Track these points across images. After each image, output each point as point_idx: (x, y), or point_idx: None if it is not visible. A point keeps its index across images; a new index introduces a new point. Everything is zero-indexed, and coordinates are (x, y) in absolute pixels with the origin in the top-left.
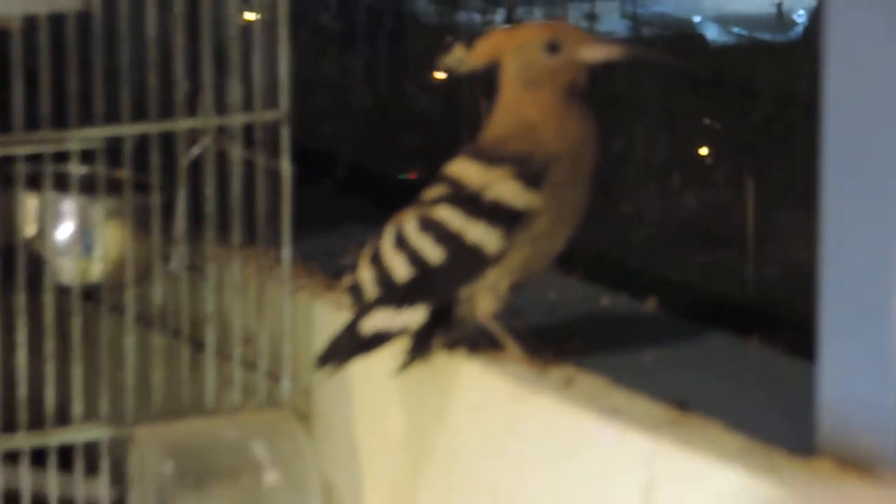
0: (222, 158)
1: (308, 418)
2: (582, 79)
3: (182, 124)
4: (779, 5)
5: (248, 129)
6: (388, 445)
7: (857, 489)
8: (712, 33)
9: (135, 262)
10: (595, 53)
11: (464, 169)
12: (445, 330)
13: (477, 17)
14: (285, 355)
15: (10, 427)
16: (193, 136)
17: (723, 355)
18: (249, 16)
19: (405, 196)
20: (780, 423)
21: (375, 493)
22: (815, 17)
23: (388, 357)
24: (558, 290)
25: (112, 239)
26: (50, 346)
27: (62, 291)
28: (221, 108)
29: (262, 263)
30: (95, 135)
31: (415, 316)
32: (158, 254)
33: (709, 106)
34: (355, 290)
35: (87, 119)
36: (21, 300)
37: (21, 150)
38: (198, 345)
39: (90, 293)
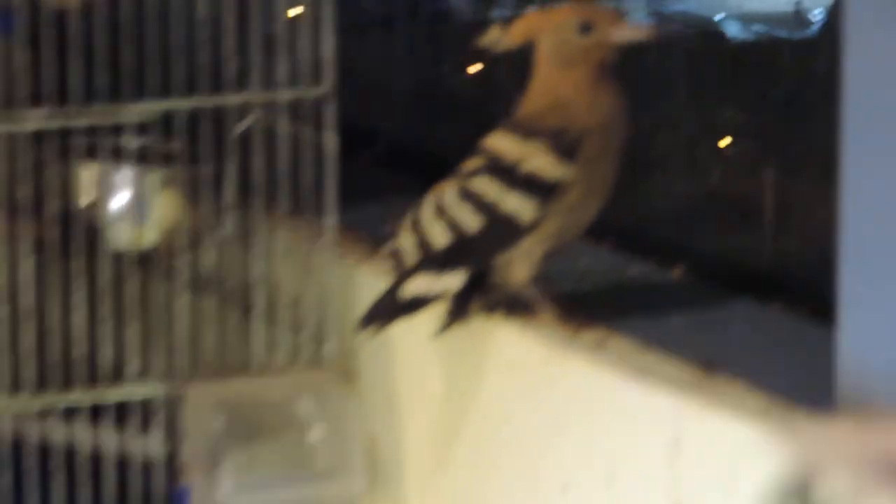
0: (270, 132)
1: (351, 377)
2: (613, 57)
3: (231, 99)
4: (797, 3)
5: (295, 105)
6: (428, 403)
7: (874, 442)
8: (733, 30)
9: (187, 229)
10: (625, 34)
11: (500, 142)
12: (482, 294)
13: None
14: (330, 317)
15: (68, 385)
16: (242, 111)
17: (746, 320)
18: None
19: (445, 169)
20: (802, 383)
21: (416, 448)
22: (833, 14)
23: (427, 320)
24: (589, 259)
25: (165, 207)
26: (106, 308)
27: (117, 257)
28: (269, 84)
29: (307, 231)
30: (149, 108)
31: (453, 281)
32: (209, 222)
33: (734, 86)
34: (396, 256)
35: (141, 93)
36: (78, 266)
37: (79, 123)
38: (246, 308)
39: (144, 259)
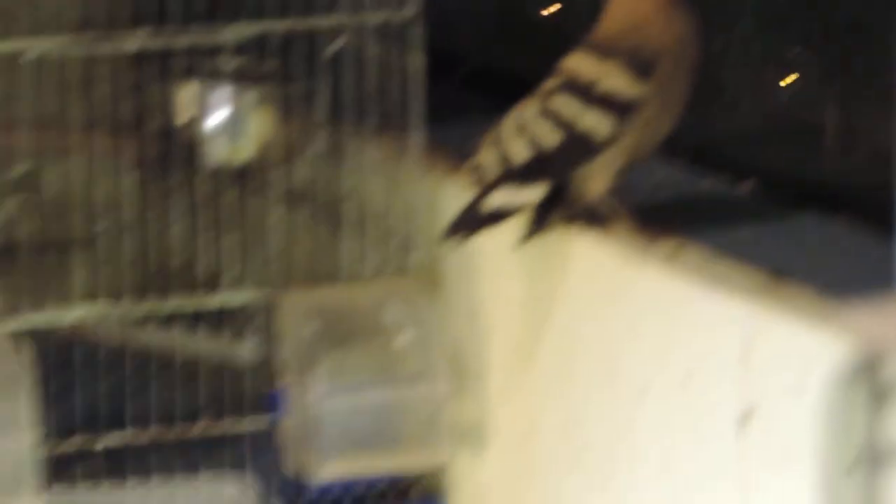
0: (359, 53)
1: (437, 285)
2: None
3: (322, 21)
4: None
5: (383, 27)
6: (510, 310)
7: None
8: None
9: (280, 145)
10: None
11: (579, 62)
12: (561, 206)
13: None
14: (416, 229)
15: (168, 292)
16: (333, 33)
17: (812, 231)
18: None
19: (525, 89)
20: (865, 290)
21: (497, 353)
22: None
23: (508, 231)
24: (663, 173)
25: (260, 125)
26: (203, 220)
27: (214, 172)
28: (358, 7)
29: (395, 148)
30: (245, 30)
31: (533, 194)
32: (302, 138)
33: (801, 9)
34: (479, 171)
35: (237, 16)
36: (177, 180)
37: (178, 44)
38: (337, 220)
39: (240, 174)
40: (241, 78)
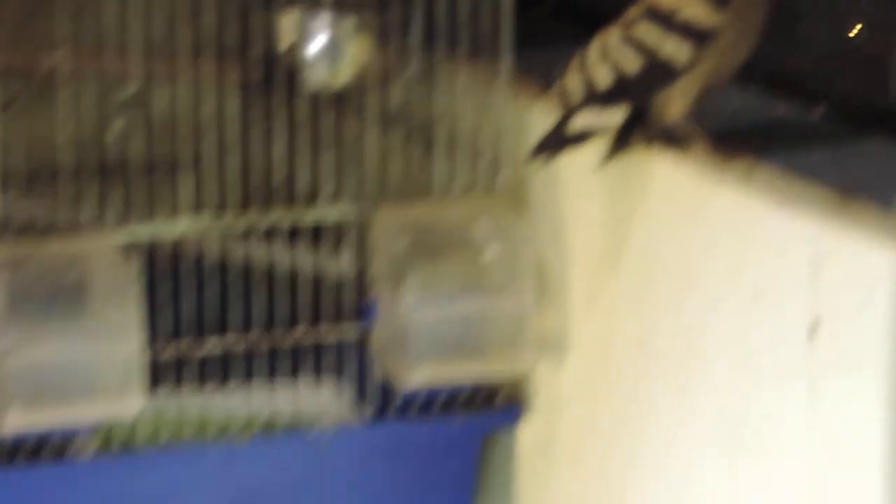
0: None
1: (523, 203)
2: None
3: None
4: None
5: None
6: (591, 227)
7: None
8: None
9: (377, 70)
10: None
11: None
12: (642, 129)
13: None
14: (504, 149)
15: (269, 207)
16: None
17: (882, 154)
18: None
19: (609, 18)
20: None
21: (579, 267)
22: None
23: (591, 152)
24: (739, 97)
25: (357, 50)
26: (303, 140)
27: (314, 96)
28: None
29: (485, 73)
30: None
31: (615, 117)
32: (397, 63)
33: None
34: (564, 95)
35: None
36: (278, 103)
37: None
38: (429, 141)
39: (338, 97)
40: (340, 6)
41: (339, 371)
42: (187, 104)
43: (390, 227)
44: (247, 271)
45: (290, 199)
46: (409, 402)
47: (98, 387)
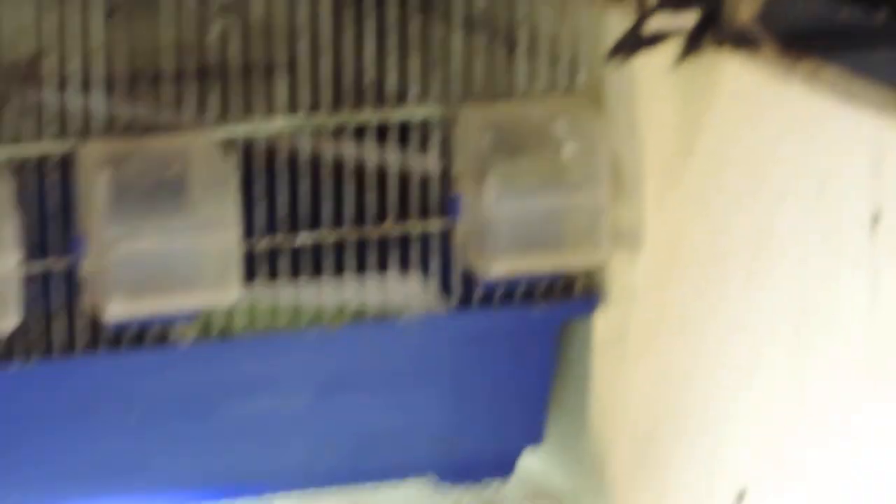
0: None
1: (600, 102)
2: None
3: None
4: None
5: None
6: (665, 126)
7: None
8: None
9: None
10: None
11: None
12: (713, 30)
13: None
14: (582, 51)
15: (359, 105)
16: None
17: None
18: None
19: None
20: None
21: (653, 164)
22: None
23: (665, 53)
24: (805, 2)
25: None
26: (392, 43)
27: (402, 0)
28: None
29: None
30: None
31: (687, 19)
32: None
33: None
34: None
35: None
36: (368, 6)
37: None
38: (511, 44)
39: (425, 2)
40: None
41: (424, 262)
42: (283, 9)
43: (474, 126)
44: (338, 168)
45: (379, 99)
46: (490, 291)
47: (197, 277)
